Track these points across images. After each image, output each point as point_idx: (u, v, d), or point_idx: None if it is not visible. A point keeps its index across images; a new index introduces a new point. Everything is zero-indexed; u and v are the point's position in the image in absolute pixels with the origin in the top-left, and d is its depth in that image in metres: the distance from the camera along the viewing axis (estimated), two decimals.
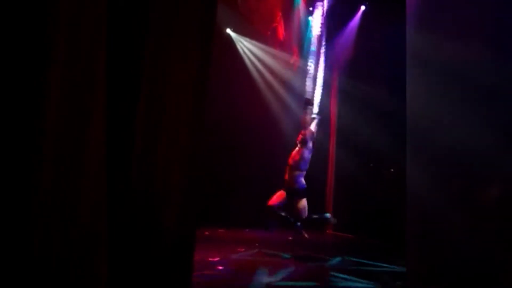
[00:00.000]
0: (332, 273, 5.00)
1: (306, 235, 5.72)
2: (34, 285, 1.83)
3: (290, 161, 5.99)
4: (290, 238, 7.78)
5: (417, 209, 4.11)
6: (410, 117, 4.28)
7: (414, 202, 4.15)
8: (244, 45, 9.14)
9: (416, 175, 4.12)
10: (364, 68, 8.25)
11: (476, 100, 3.71)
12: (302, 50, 8.70)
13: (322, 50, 6.54)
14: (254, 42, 9.04)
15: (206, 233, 7.35)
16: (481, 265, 3.61)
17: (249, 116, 8.87)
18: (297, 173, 5.86)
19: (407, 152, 4.24)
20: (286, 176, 5.97)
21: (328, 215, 6.12)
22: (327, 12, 6.73)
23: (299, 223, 5.83)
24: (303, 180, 5.92)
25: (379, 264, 5.68)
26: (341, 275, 4.86)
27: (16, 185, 1.81)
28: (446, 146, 3.88)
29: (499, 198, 3.67)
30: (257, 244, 6.72)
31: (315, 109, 6.33)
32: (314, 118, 6.33)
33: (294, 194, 5.83)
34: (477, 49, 3.75)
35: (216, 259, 5.34)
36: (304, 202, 5.82)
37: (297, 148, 6.11)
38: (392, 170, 8.51)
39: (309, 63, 6.30)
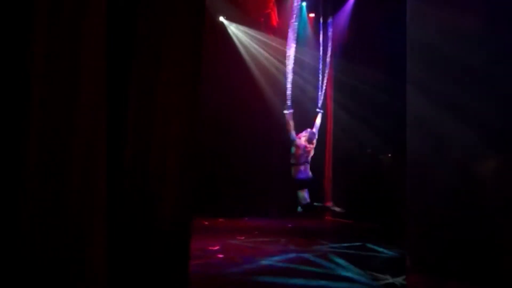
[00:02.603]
0: (329, 257, 5.04)
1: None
2: (31, 284, 1.82)
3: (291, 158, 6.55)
4: (289, 225, 7.84)
5: (417, 190, 4.12)
6: (409, 95, 4.26)
7: (414, 183, 4.16)
8: (237, 32, 9.06)
9: (416, 155, 4.12)
10: (360, 52, 8.20)
11: (476, 79, 3.69)
12: (296, 36, 8.63)
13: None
14: (247, 29, 8.97)
15: (206, 223, 7.36)
16: (482, 247, 3.62)
17: (247, 106, 8.84)
18: (297, 167, 6.50)
19: (407, 129, 4.24)
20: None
21: (329, 204, 6.44)
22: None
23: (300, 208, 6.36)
24: (303, 172, 6.44)
25: (376, 248, 5.72)
26: (338, 260, 4.89)
27: (6, 177, 1.79)
28: (447, 124, 3.88)
29: (498, 172, 3.68)
30: (256, 232, 6.75)
31: (319, 103, 6.68)
32: (318, 112, 6.66)
33: (299, 184, 6.36)
34: (478, 27, 3.72)
35: (216, 247, 5.35)
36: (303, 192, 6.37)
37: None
38: (389, 155, 8.52)
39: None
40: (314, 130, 6.65)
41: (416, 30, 4.25)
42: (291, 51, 6.60)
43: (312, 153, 6.61)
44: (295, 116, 6.66)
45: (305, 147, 6.50)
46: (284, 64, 8.95)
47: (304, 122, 7.22)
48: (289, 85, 6.51)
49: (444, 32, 3.97)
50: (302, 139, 6.55)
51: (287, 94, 6.50)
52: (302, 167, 6.43)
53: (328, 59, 6.69)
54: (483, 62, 3.72)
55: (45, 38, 1.89)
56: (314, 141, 6.58)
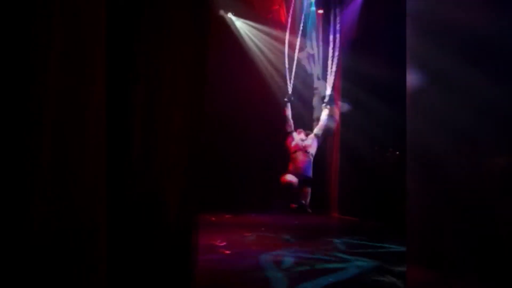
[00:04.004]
0: (336, 254, 5.04)
1: (309, 210, 6.00)
2: (29, 280, 1.82)
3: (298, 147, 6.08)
4: (296, 222, 7.84)
5: (418, 183, 4.08)
6: (410, 80, 4.21)
7: (415, 175, 4.12)
8: (245, 28, 9.05)
9: (416, 142, 4.08)
10: (369, 47, 8.13)
11: (479, 63, 3.61)
12: (304, 32, 8.60)
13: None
14: (255, 25, 8.95)
15: (213, 219, 7.40)
16: (484, 243, 3.59)
17: (253, 102, 8.84)
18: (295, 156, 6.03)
19: (407, 120, 4.19)
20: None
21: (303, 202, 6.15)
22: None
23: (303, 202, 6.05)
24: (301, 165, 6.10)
25: (382, 245, 5.71)
26: (345, 256, 4.89)
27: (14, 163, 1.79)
28: (448, 111, 3.82)
29: (505, 165, 3.62)
30: (263, 228, 6.76)
31: (326, 98, 6.34)
32: (324, 107, 6.31)
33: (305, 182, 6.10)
34: (481, 11, 3.64)
35: (223, 243, 5.38)
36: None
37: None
38: (397, 152, 8.48)
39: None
40: (316, 130, 6.22)
41: (417, 11, 4.15)
42: (297, 40, 6.45)
43: (311, 149, 6.16)
44: (299, 110, 6.54)
45: (304, 146, 6.15)
46: (292, 60, 8.96)
47: (308, 116, 7.17)
48: (288, 72, 6.35)
49: (448, 13, 3.87)
50: (301, 135, 6.23)
51: (288, 83, 6.34)
52: (300, 157, 6.04)
53: (336, 54, 6.53)
54: (490, 45, 3.63)
55: (60, 36, 1.89)
56: (314, 144, 6.17)
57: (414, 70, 4.12)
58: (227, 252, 4.98)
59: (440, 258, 3.81)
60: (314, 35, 8.27)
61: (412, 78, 4.16)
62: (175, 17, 2.42)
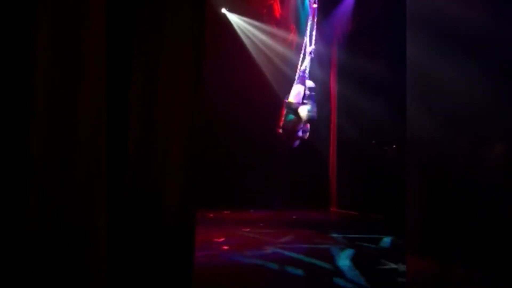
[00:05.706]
0: (333, 248, 5.06)
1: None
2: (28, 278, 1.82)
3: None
4: (294, 217, 7.86)
5: (417, 175, 4.11)
6: (410, 75, 4.22)
7: (414, 166, 4.15)
8: (240, 24, 9.02)
9: (417, 134, 4.10)
10: (364, 42, 8.12)
11: (476, 57, 3.62)
12: (299, 27, 8.59)
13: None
14: (249, 20, 8.92)
15: (211, 215, 7.40)
16: (483, 234, 3.62)
17: (250, 97, 8.83)
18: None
19: (407, 115, 4.20)
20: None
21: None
22: None
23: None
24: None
25: (380, 237, 5.75)
26: (342, 251, 4.92)
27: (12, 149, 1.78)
28: (447, 103, 3.84)
29: (502, 155, 3.65)
30: (261, 224, 6.78)
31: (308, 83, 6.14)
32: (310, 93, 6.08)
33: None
34: (477, 5, 3.65)
35: (222, 239, 5.39)
36: None
37: None
38: (394, 146, 8.50)
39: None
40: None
41: (417, 5, 4.15)
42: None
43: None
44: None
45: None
46: (287, 55, 8.92)
47: None
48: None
49: (446, 7, 3.88)
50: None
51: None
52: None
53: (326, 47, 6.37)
54: (485, 38, 3.64)
55: (49, 31, 1.88)
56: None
57: (414, 65, 4.13)
58: (225, 247, 4.99)
59: (440, 249, 3.85)
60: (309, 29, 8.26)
61: (411, 73, 4.17)
62: (174, 17, 2.41)
